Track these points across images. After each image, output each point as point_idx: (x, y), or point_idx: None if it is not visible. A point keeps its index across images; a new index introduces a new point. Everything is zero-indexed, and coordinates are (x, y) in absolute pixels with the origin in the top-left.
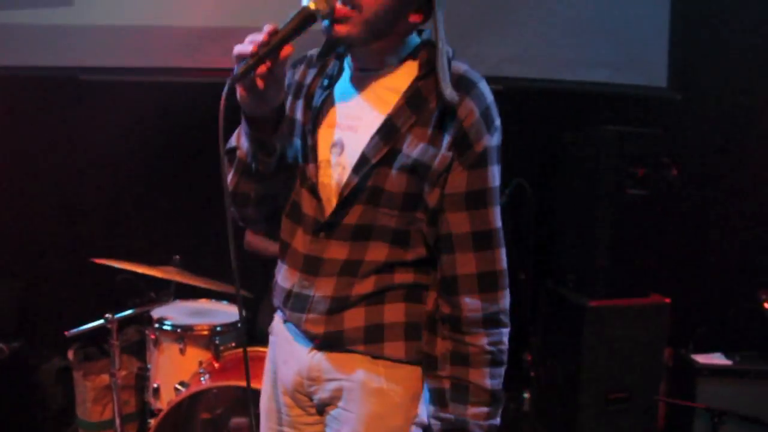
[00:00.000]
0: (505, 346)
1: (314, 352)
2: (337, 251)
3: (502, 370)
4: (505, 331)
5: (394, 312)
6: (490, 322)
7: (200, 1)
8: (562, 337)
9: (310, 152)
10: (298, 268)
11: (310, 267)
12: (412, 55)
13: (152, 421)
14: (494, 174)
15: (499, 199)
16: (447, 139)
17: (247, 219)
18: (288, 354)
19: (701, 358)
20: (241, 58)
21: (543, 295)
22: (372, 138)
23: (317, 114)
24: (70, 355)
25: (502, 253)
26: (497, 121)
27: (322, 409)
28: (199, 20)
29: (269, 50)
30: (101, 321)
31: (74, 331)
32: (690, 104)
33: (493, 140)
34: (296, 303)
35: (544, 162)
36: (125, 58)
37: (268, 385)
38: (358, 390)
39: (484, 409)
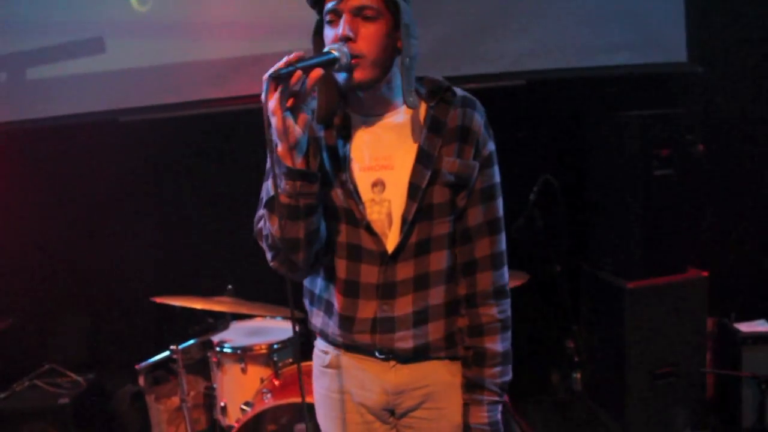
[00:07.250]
0: (509, 314)
1: (397, 367)
2: (406, 271)
3: (509, 334)
4: (509, 301)
5: (462, 320)
6: (500, 293)
7: (224, 34)
8: (605, 321)
9: (354, 195)
10: (375, 298)
11: (387, 293)
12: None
13: None
14: (497, 172)
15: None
16: (471, 151)
17: (296, 268)
18: (365, 380)
19: (744, 327)
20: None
21: (583, 283)
22: (415, 167)
23: (348, 162)
24: (141, 381)
25: (504, 236)
26: (491, 130)
27: (404, 414)
28: (226, 52)
29: (303, 64)
30: (167, 353)
31: (144, 364)
32: (712, 77)
33: (493, 145)
34: (384, 326)
35: (570, 152)
36: (160, 96)
37: (338, 410)
38: (442, 388)
39: (498, 369)
